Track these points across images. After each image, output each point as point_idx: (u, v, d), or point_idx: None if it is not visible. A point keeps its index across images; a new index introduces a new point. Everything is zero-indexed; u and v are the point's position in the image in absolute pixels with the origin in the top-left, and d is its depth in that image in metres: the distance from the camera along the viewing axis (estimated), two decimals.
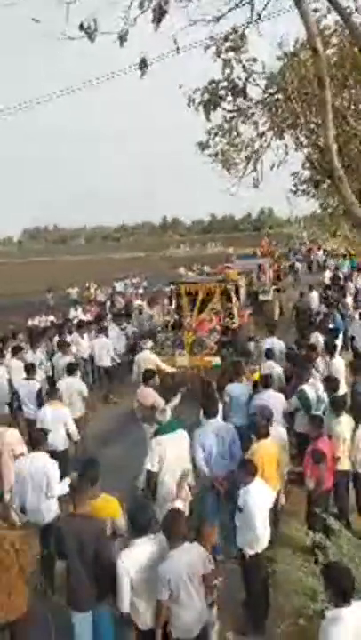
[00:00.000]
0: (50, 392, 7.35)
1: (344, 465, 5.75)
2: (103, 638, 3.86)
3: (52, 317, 16.82)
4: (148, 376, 7.42)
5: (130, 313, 14.82)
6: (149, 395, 7.12)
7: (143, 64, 4.60)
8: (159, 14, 4.22)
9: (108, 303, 19.30)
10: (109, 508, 4.17)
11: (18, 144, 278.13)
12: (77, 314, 16.54)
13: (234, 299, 12.01)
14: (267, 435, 5.29)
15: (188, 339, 10.80)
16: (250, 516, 4.38)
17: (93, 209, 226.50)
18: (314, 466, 5.28)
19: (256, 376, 7.75)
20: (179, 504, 4.46)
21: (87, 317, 15.26)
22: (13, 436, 5.99)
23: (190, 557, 3.62)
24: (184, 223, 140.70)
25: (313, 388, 6.89)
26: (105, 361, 11.31)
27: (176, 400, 6.99)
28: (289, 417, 6.94)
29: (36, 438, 5.30)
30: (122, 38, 5.14)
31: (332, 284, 18.25)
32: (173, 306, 12.68)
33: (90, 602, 3.78)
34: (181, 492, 4.87)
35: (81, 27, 5.05)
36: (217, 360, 10.24)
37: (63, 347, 9.96)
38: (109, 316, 14.95)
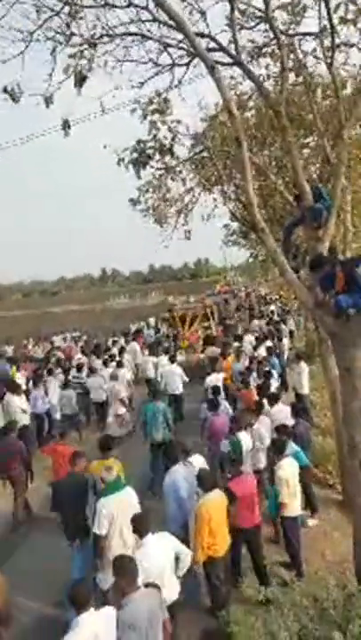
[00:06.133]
0: None
1: (292, 511, 5.70)
2: (85, 557, 5.34)
3: None
4: (210, 342, 15.06)
5: (69, 368, 14.11)
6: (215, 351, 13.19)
7: (66, 125, 4.72)
8: (80, 79, 4.38)
9: (53, 359, 18.32)
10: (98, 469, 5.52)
11: None
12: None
13: (211, 319, 18.51)
14: (214, 486, 5.14)
15: (183, 344, 17.07)
16: None
17: (31, 263, 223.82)
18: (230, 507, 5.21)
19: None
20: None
21: (20, 375, 14.48)
22: None
23: (150, 602, 3.44)
24: (123, 274, 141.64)
25: (250, 434, 6.84)
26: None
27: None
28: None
29: None
30: (47, 100, 5.30)
31: (268, 325, 18.68)
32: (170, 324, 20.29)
33: (77, 534, 5.45)
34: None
35: (4, 89, 5.19)
36: (203, 356, 14.78)
37: None
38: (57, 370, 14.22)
